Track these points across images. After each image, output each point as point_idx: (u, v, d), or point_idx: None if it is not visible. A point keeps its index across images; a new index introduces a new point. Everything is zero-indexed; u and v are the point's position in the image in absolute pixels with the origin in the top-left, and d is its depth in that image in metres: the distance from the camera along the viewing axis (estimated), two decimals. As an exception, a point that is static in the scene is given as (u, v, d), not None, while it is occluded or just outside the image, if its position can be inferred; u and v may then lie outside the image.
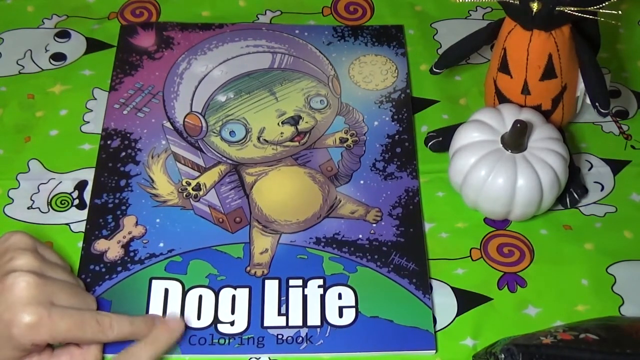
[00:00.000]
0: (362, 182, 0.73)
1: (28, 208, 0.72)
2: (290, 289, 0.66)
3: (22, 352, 0.58)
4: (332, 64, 0.81)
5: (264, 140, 0.75)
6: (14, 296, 0.57)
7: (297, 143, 0.75)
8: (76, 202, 0.72)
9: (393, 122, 0.77)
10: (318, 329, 0.64)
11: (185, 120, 0.76)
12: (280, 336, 0.64)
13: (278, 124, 0.76)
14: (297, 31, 0.83)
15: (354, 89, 0.79)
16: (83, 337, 0.59)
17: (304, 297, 0.66)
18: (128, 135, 0.75)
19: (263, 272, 0.67)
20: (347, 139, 0.75)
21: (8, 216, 0.71)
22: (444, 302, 0.67)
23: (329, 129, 0.76)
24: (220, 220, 0.70)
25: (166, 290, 0.66)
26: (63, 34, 0.84)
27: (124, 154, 0.74)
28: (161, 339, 0.62)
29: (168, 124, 0.76)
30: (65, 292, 0.60)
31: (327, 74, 0.80)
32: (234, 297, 0.66)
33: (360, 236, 0.69)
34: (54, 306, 0.58)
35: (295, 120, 0.76)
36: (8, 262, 0.59)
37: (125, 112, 0.77)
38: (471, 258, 0.69)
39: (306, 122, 0.76)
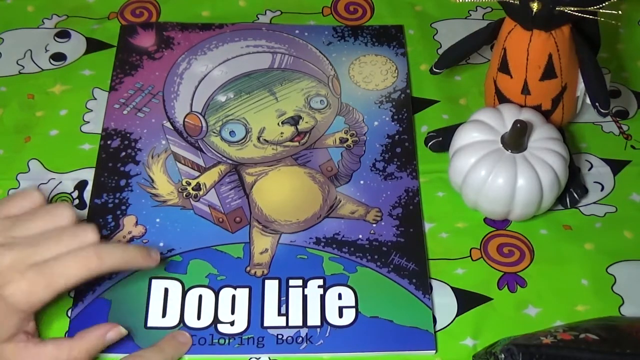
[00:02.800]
0: (362, 182, 0.73)
1: (28, 208, 0.72)
2: (290, 289, 0.66)
3: (24, 321, 0.58)
4: (332, 64, 0.81)
5: (264, 140, 0.75)
6: None
7: (297, 143, 0.75)
8: (76, 202, 0.72)
9: (393, 122, 0.77)
10: (318, 329, 0.64)
11: (185, 120, 0.76)
12: (280, 336, 0.64)
13: (278, 124, 0.76)
14: (297, 31, 0.83)
15: (354, 89, 0.79)
16: (78, 276, 0.58)
17: (304, 297, 0.66)
18: (128, 135, 0.75)
19: (263, 272, 0.67)
20: (347, 139, 0.75)
21: (8, 216, 0.71)
22: (444, 302, 0.67)
23: (329, 129, 0.76)
24: (220, 220, 0.70)
25: (166, 290, 0.66)
26: (63, 34, 0.84)
27: (124, 153, 0.74)
28: (168, 350, 0.62)
29: (168, 124, 0.76)
30: (48, 242, 0.58)
31: (327, 74, 0.80)
32: (234, 297, 0.66)
33: (360, 236, 0.69)
34: (37, 264, 0.57)
35: (295, 120, 0.76)
36: None
37: (125, 112, 0.77)
38: (471, 258, 0.69)
39: (306, 122, 0.76)
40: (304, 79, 0.79)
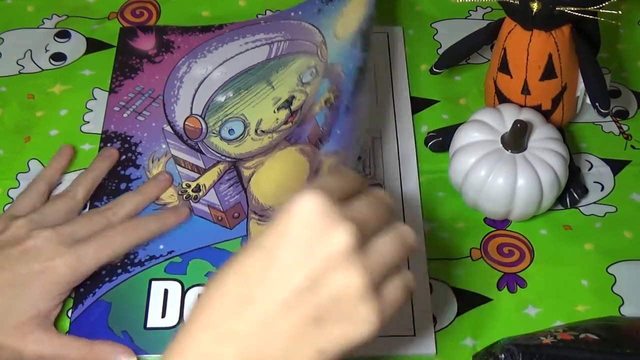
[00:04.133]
0: (338, 131, 0.69)
1: (28, 208, 0.72)
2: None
3: (62, 297, 0.63)
4: (320, 31, 0.78)
5: (261, 131, 0.74)
6: (38, 251, 0.61)
7: (290, 124, 0.74)
8: (76, 203, 0.72)
9: (362, 53, 0.70)
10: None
11: (186, 123, 0.76)
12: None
13: (274, 111, 0.75)
14: (292, 14, 0.81)
15: (336, 44, 0.76)
16: (113, 254, 0.65)
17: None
18: (128, 138, 0.75)
19: (262, 265, 0.67)
20: (330, 97, 0.72)
21: (8, 216, 0.71)
22: (444, 302, 0.67)
23: (317, 96, 0.73)
24: (220, 218, 0.70)
25: (165, 291, 0.66)
26: (63, 34, 0.84)
27: (124, 157, 0.74)
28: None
29: (168, 128, 0.76)
30: (78, 224, 0.64)
31: (316, 43, 0.78)
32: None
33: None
34: (78, 242, 0.63)
35: (289, 102, 0.75)
36: (4, 231, 0.63)
37: (125, 115, 0.77)
38: (471, 258, 0.69)
39: (298, 100, 0.75)
40: (298, 58, 0.77)
